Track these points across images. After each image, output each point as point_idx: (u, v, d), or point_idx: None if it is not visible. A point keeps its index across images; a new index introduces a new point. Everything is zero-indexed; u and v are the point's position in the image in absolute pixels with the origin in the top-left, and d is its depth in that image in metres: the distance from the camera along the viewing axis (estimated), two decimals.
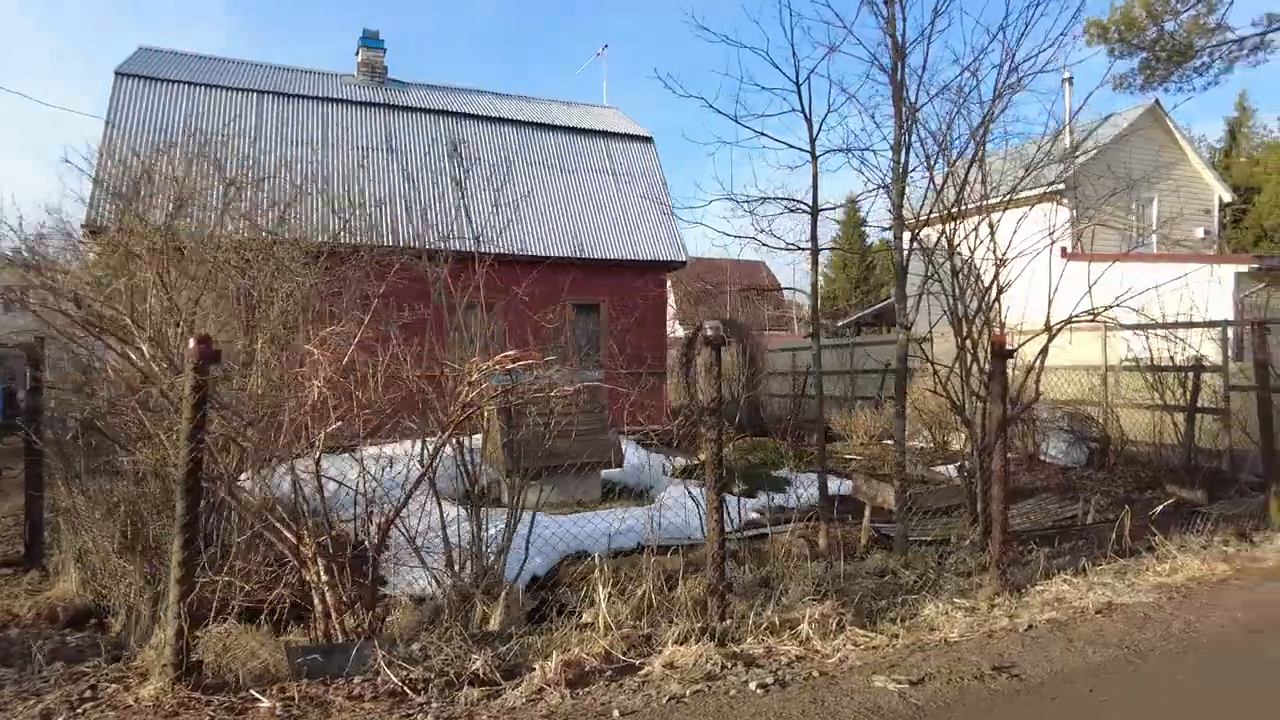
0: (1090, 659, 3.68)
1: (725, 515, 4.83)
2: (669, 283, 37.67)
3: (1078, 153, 19.26)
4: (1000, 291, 6.34)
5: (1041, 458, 12.90)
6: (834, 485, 11.05)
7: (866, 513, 8.01)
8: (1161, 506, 7.10)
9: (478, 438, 8.29)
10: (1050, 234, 6.97)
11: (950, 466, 12.85)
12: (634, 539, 7.05)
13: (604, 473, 10.86)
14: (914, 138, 6.28)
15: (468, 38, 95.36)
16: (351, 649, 3.86)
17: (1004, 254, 6.39)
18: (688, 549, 6.84)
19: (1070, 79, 19.64)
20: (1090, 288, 6.45)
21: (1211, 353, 11.73)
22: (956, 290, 6.32)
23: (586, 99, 17.65)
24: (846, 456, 14.77)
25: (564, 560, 7.02)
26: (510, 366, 4.48)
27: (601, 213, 15.08)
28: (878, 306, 24.68)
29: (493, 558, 5.30)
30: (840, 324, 26.68)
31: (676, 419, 15.68)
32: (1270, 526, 6.98)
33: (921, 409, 15.12)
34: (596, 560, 5.21)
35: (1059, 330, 6.58)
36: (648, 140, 16.36)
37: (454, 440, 4.85)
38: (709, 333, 4.63)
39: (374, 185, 13.49)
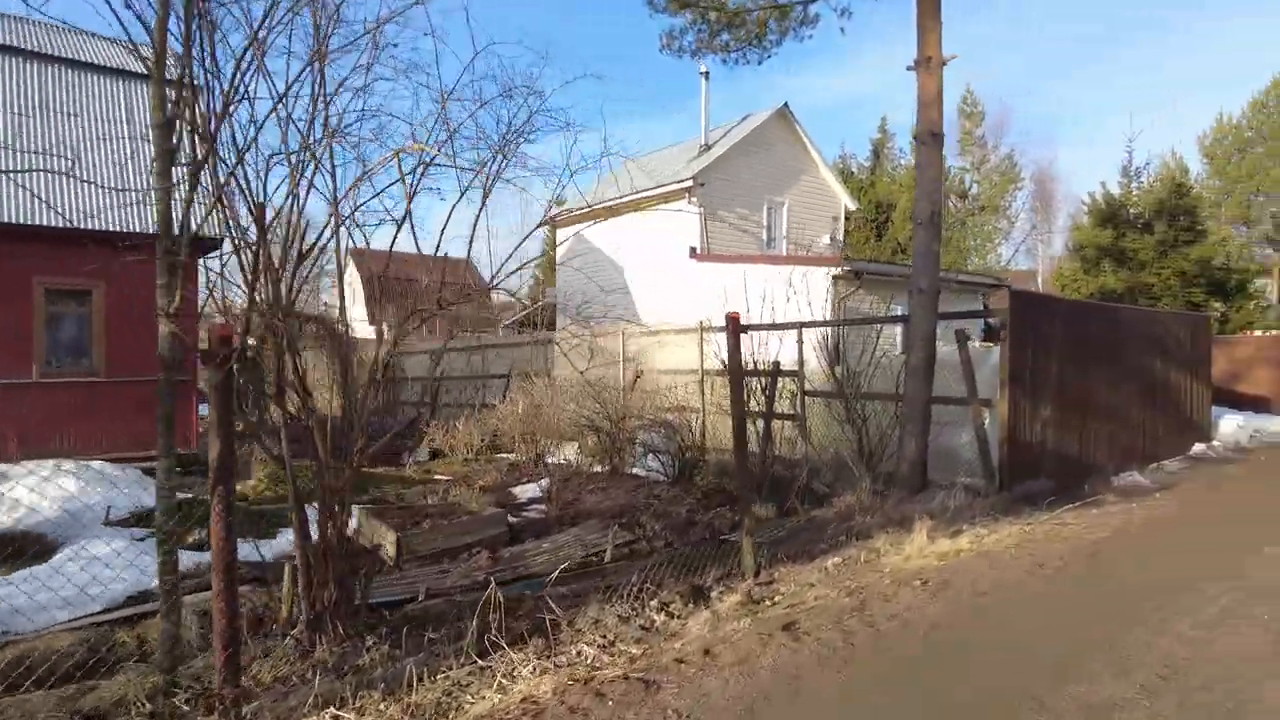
0: None
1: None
2: (358, 275, 33.59)
3: (713, 149, 18.80)
4: (280, 266, 4.18)
5: (629, 470, 11.51)
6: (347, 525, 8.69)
7: (286, 577, 5.53)
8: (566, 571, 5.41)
9: None
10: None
11: (536, 484, 11.08)
12: None
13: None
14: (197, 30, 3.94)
15: None
16: None
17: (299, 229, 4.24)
18: None
19: (707, 74, 19.18)
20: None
21: (810, 357, 10.98)
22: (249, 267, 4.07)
23: None
24: (437, 475, 12.55)
25: None
26: None
27: (108, 174, 11.50)
28: (533, 307, 23.04)
29: None
30: (505, 324, 24.77)
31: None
32: (742, 572, 5.57)
33: (505, 417, 13.37)
34: None
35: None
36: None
37: None
38: None
39: None
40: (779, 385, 10.46)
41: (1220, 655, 3.78)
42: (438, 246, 5.28)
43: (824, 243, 19.35)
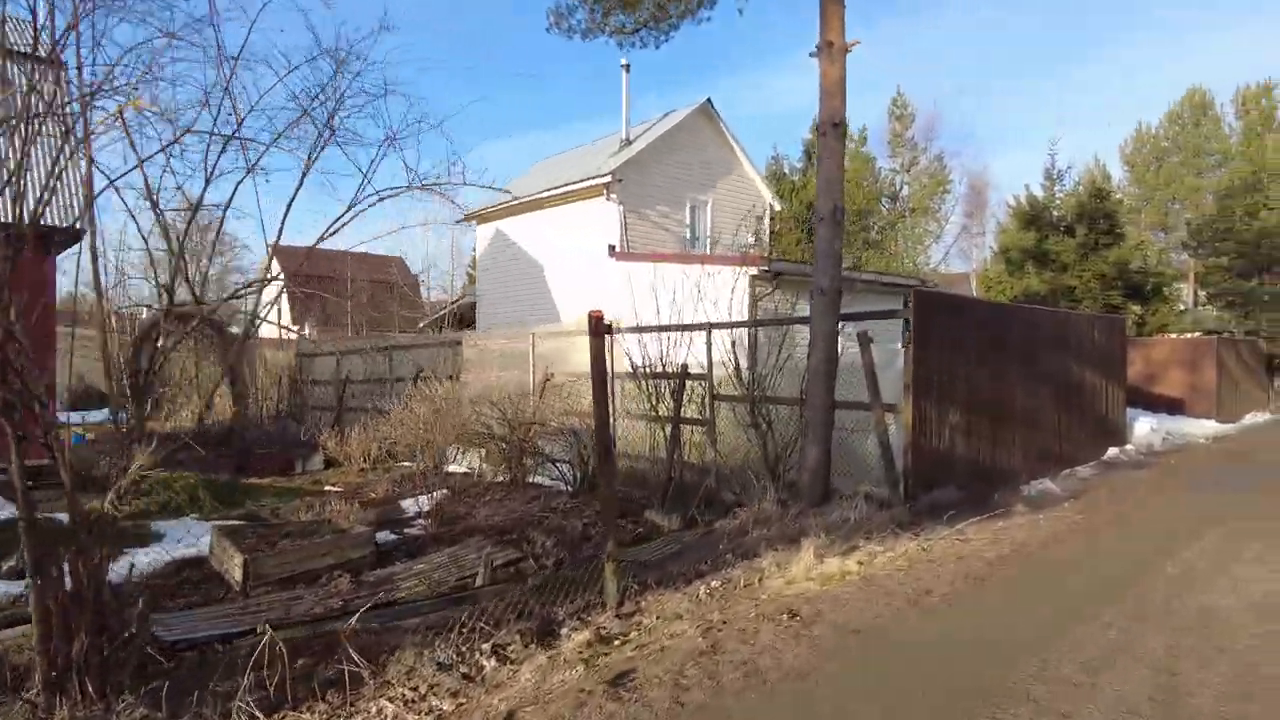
0: None
1: None
2: (279, 273, 32.15)
3: (634, 145, 18.23)
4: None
5: (532, 480, 10.81)
6: (199, 544, 7.90)
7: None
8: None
9: None
10: None
11: (428, 496, 10.30)
12: None
13: None
14: None
15: None
16: None
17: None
18: None
19: (628, 65, 18.61)
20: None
21: (726, 359, 10.43)
22: None
23: None
24: (327, 487, 11.69)
25: None
26: None
27: None
28: (450, 305, 22.17)
29: None
30: (422, 324, 23.84)
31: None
32: (603, 602, 4.96)
33: (399, 423, 12.55)
34: None
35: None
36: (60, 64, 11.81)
37: None
38: None
39: None
40: (688, 388, 9.93)
41: (1104, 706, 3.32)
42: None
43: (748, 242, 18.94)
